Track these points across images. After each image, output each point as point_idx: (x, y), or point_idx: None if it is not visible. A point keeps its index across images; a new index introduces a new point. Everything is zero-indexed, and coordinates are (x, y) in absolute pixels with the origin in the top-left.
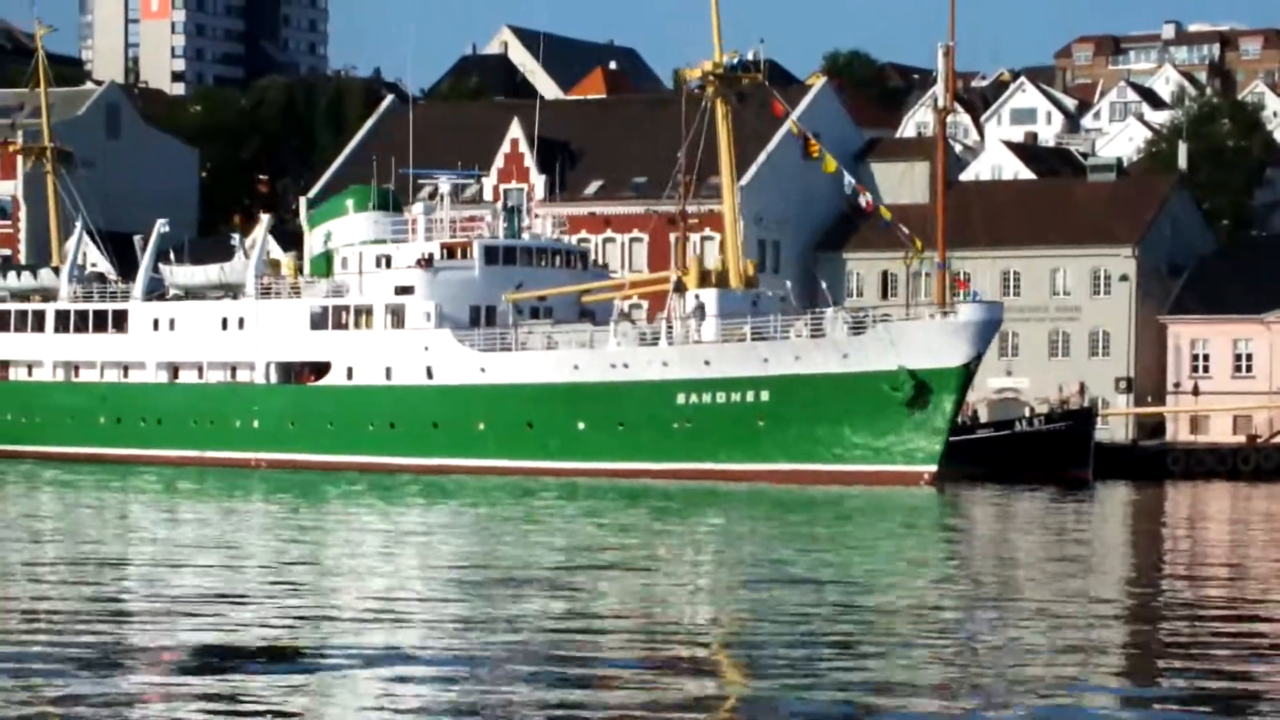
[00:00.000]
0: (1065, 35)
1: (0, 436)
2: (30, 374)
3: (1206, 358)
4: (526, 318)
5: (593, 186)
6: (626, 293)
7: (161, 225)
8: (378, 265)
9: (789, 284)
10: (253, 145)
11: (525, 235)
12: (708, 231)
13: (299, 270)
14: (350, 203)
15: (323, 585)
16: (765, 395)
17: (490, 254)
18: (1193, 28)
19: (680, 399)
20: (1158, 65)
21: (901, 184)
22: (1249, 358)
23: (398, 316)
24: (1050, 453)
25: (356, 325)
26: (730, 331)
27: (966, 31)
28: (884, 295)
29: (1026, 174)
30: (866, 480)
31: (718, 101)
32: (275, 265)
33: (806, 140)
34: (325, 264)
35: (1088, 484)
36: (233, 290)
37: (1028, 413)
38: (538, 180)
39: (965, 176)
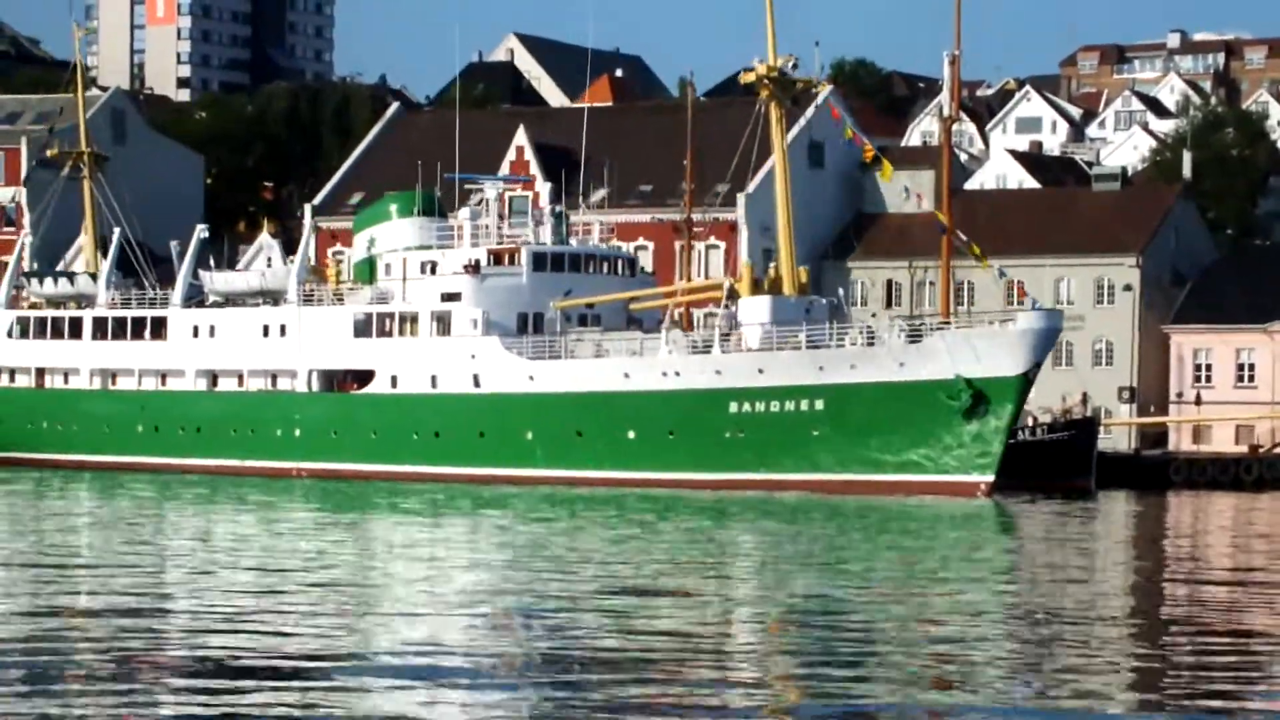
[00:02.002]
0: (1070, 44)
1: (37, 445)
2: (67, 381)
3: (1209, 367)
4: (574, 325)
5: (598, 194)
6: (679, 300)
7: (201, 231)
8: (423, 271)
9: (841, 291)
10: (258, 152)
11: (573, 241)
12: (712, 240)
13: (339, 276)
14: (394, 208)
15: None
16: (820, 404)
17: (539, 260)
18: (1198, 37)
19: (733, 408)
20: (1162, 74)
21: (907, 193)
22: (1251, 368)
23: (444, 324)
24: (1053, 462)
25: (401, 333)
26: (785, 339)
27: (972, 40)
28: (888, 304)
29: (1031, 183)
30: (922, 490)
31: (772, 105)
32: (317, 271)
33: (864, 146)
34: (368, 270)
35: (1090, 494)
36: (273, 297)
37: (1030, 422)
38: (543, 188)
39: (970, 185)
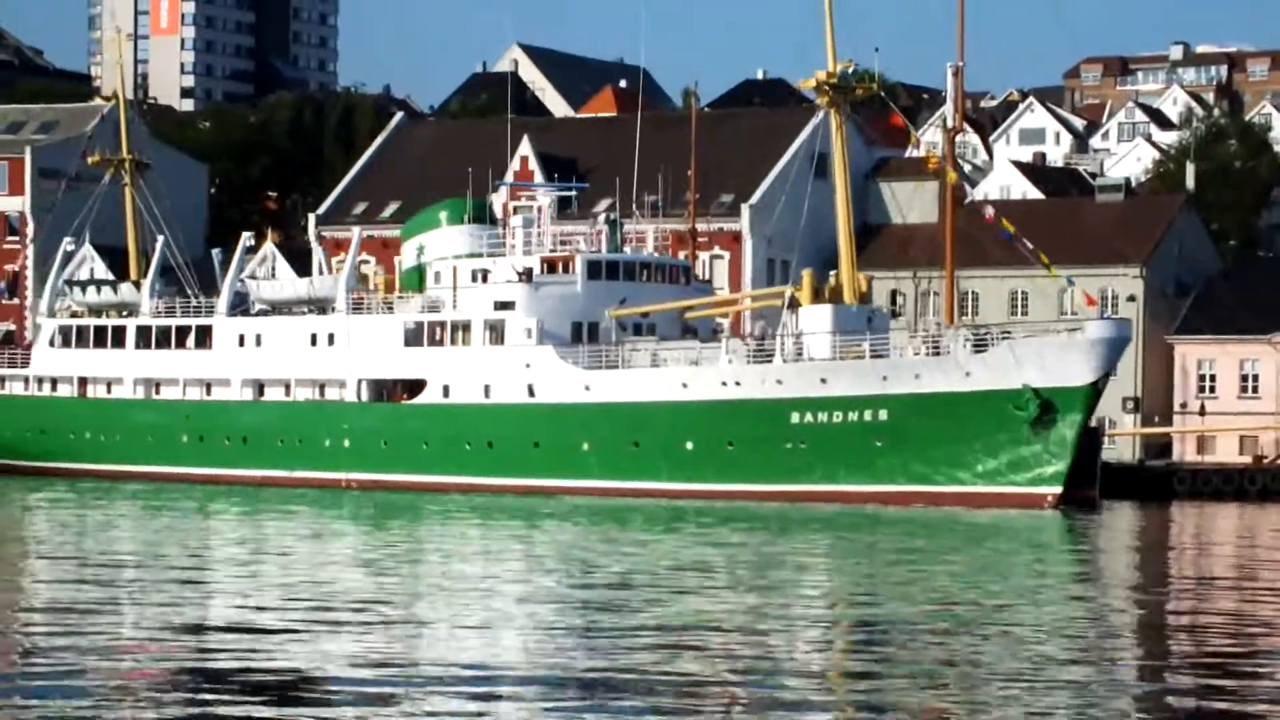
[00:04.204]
0: (1074, 56)
1: (79, 455)
2: (109, 391)
3: (1213, 378)
4: (629, 334)
5: (602, 204)
6: (739, 309)
7: (247, 239)
8: (474, 279)
9: (900, 299)
10: (262, 162)
11: (627, 249)
12: (717, 250)
13: (389, 284)
14: (444, 215)
15: None
16: (884, 415)
17: (593, 269)
18: (1200, 49)
19: (794, 418)
20: (1165, 86)
21: (911, 203)
22: (1255, 378)
23: (497, 332)
24: None
25: (453, 341)
26: (847, 349)
27: (976, 52)
28: (892, 315)
29: (1035, 194)
30: (988, 502)
31: (832, 111)
32: (366, 280)
33: (929, 156)
34: (417, 278)
35: (1095, 504)
36: (320, 305)
37: None
38: (544, 200)
39: (974, 196)
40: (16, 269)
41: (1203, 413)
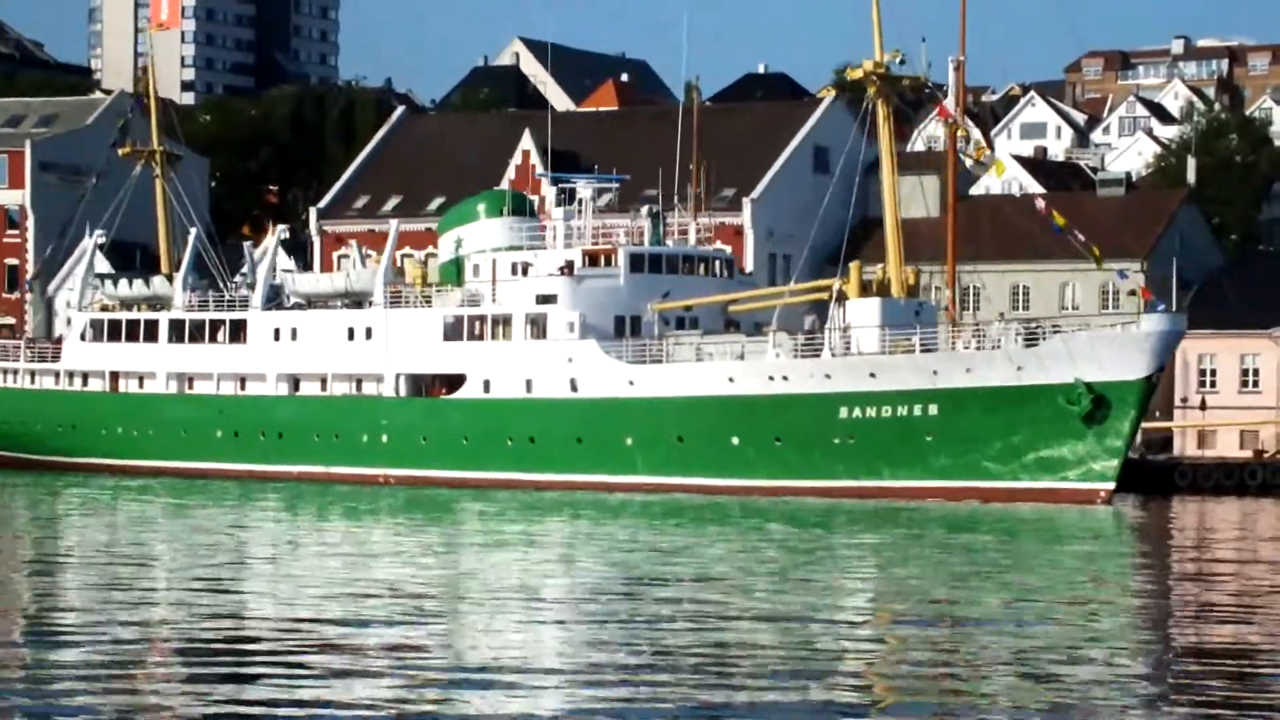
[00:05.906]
0: (1075, 50)
1: (111, 450)
2: (142, 385)
3: (1214, 373)
4: (672, 328)
5: (604, 199)
6: (786, 301)
7: (282, 232)
8: (514, 273)
9: (947, 293)
10: (263, 155)
11: (669, 242)
12: (719, 244)
13: (424, 278)
14: (483, 207)
15: None
16: (934, 409)
17: (636, 262)
18: (1201, 43)
19: (843, 413)
20: (1167, 80)
21: (912, 198)
22: (1256, 373)
23: (538, 326)
24: None
25: (494, 336)
26: (897, 343)
27: (977, 46)
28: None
29: (1036, 188)
30: (1040, 498)
31: (879, 102)
32: (403, 273)
33: (978, 146)
34: (455, 271)
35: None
36: (356, 299)
37: None
38: (549, 192)
39: (975, 190)
40: (19, 265)
41: (1203, 407)
